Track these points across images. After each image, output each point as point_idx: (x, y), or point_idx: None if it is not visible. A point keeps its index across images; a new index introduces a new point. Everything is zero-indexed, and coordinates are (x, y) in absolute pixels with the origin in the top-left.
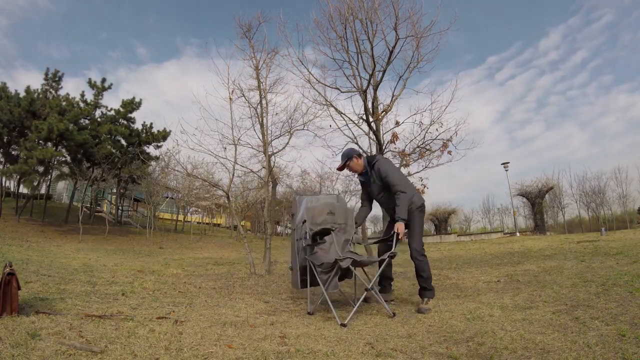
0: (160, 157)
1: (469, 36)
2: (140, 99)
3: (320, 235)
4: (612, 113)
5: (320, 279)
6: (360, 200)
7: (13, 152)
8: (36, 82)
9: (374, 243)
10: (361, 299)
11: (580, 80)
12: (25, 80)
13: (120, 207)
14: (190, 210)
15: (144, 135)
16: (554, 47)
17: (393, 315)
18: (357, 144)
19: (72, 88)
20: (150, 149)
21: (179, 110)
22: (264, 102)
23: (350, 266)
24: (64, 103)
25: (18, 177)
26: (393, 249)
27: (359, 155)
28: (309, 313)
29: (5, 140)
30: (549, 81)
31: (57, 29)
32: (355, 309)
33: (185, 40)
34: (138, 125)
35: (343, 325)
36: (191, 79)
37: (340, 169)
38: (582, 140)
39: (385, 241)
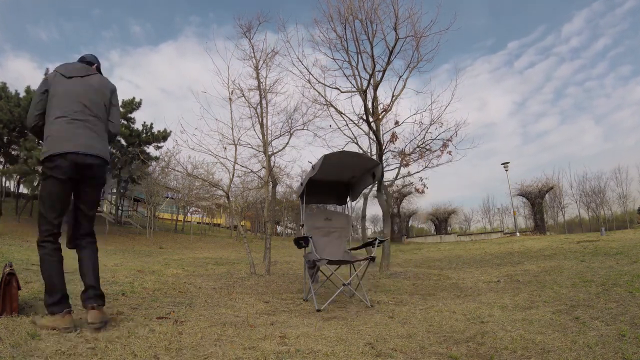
0: (160, 157)
1: (492, 18)
2: (140, 99)
3: (304, 240)
4: (627, 106)
5: (309, 273)
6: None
7: (13, 152)
8: (26, 68)
9: (357, 248)
10: (337, 292)
11: (599, 70)
12: (15, 66)
13: (120, 207)
14: (190, 210)
15: (144, 135)
16: (576, 33)
17: (371, 306)
18: (357, 144)
19: None
20: (150, 149)
21: (175, 99)
22: (264, 102)
23: (327, 265)
24: None
25: (18, 177)
26: (373, 252)
27: None
28: (317, 310)
29: (5, 140)
30: (568, 71)
31: (46, 4)
32: (332, 298)
33: (184, 19)
34: (138, 126)
35: (318, 310)
36: (189, 63)
37: None
38: (595, 135)
39: (369, 245)
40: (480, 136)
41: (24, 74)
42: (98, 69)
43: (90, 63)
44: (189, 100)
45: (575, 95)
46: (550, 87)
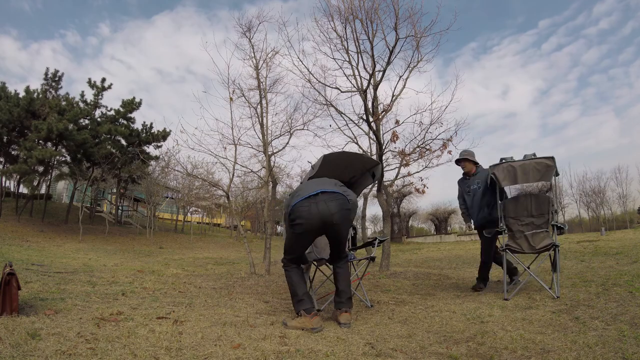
0: (160, 157)
1: None
2: (140, 99)
3: None
4: None
5: (307, 275)
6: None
7: (13, 152)
8: (12, 49)
9: (357, 248)
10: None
11: (625, 56)
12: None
13: (120, 207)
14: (190, 210)
15: (144, 135)
16: (606, 14)
17: (371, 306)
18: (357, 144)
19: (49, 55)
20: (150, 149)
21: (172, 81)
22: (264, 102)
23: (327, 264)
24: (63, 103)
25: (18, 177)
26: (373, 252)
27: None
28: (318, 310)
29: (5, 140)
30: (595, 55)
31: None
32: (332, 298)
33: None
34: (138, 125)
35: (319, 310)
36: (187, 37)
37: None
38: (613, 128)
39: (370, 244)
40: (501, 128)
41: (9, 55)
42: None
43: None
44: (186, 83)
45: (598, 83)
46: (576, 73)
